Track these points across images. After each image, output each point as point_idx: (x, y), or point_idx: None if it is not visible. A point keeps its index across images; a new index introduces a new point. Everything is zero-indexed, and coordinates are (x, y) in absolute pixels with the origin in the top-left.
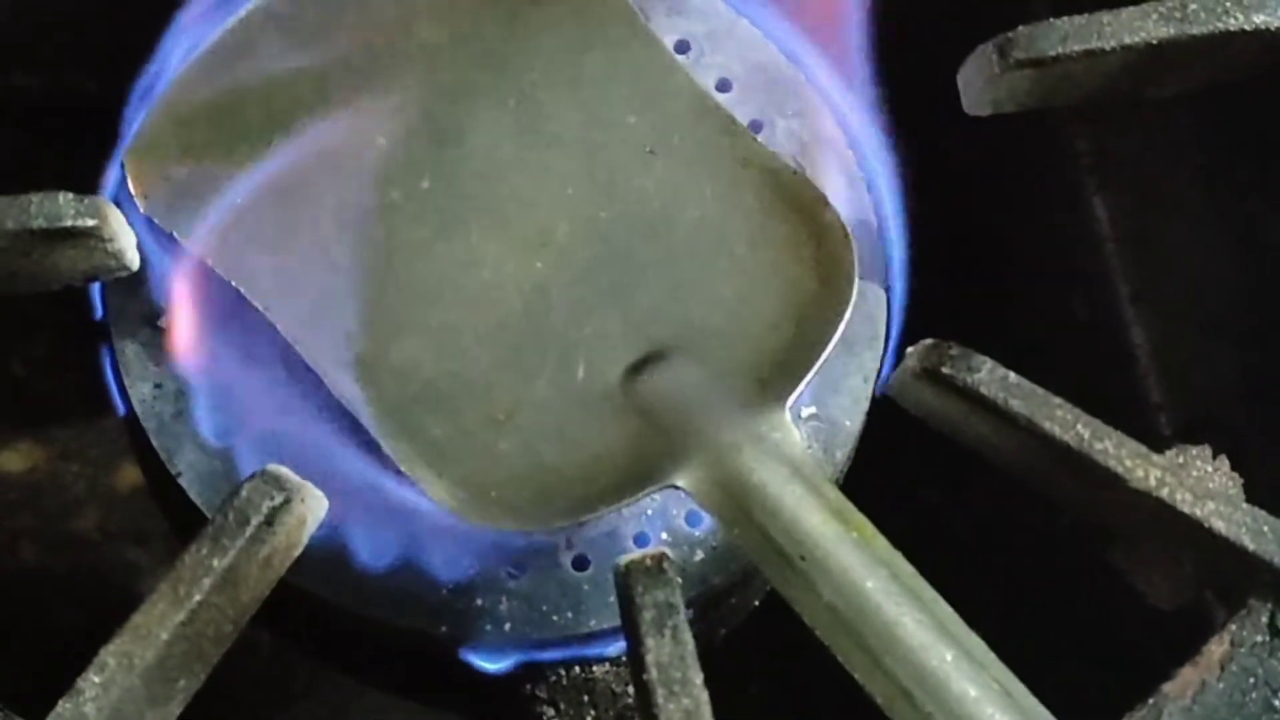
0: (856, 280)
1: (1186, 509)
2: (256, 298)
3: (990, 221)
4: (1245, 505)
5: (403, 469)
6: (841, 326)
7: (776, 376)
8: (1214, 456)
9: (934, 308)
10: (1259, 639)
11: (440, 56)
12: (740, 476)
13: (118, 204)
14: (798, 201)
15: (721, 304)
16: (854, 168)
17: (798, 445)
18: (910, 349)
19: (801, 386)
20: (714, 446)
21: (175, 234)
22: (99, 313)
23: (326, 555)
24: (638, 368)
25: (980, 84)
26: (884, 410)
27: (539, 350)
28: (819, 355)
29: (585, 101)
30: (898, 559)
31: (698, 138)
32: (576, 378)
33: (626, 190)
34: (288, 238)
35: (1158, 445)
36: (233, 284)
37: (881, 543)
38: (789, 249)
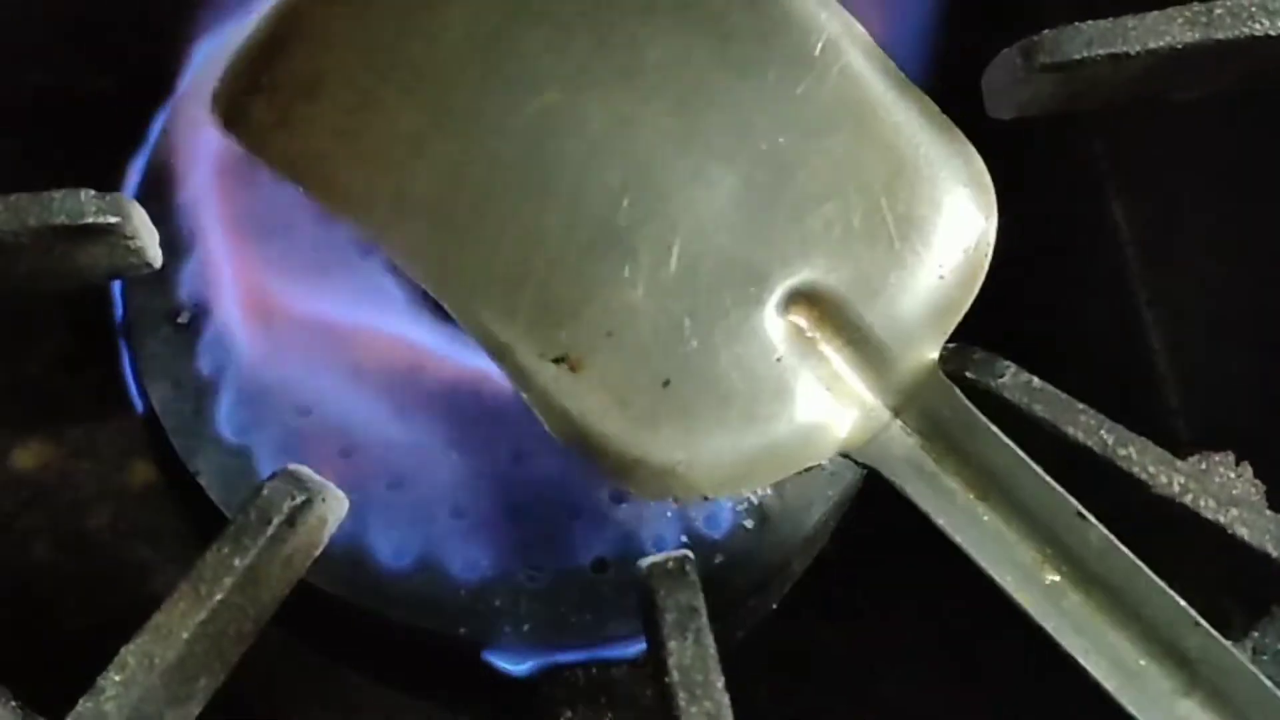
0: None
1: (1210, 515)
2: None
3: (1008, 225)
4: (1269, 512)
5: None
6: (985, 266)
7: (930, 315)
8: (1236, 463)
9: None
10: None
11: None
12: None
13: (139, 202)
14: (935, 139)
15: (869, 242)
16: None
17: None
18: None
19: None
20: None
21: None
22: (119, 311)
23: (346, 555)
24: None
25: (1005, 87)
26: None
27: (697, 296)
28: (971, 292)
29: (718, 43)
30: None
31: (835, 76)
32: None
33: (763, 126)
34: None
35: (1175, 450)
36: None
37: None
38: (925, 189)
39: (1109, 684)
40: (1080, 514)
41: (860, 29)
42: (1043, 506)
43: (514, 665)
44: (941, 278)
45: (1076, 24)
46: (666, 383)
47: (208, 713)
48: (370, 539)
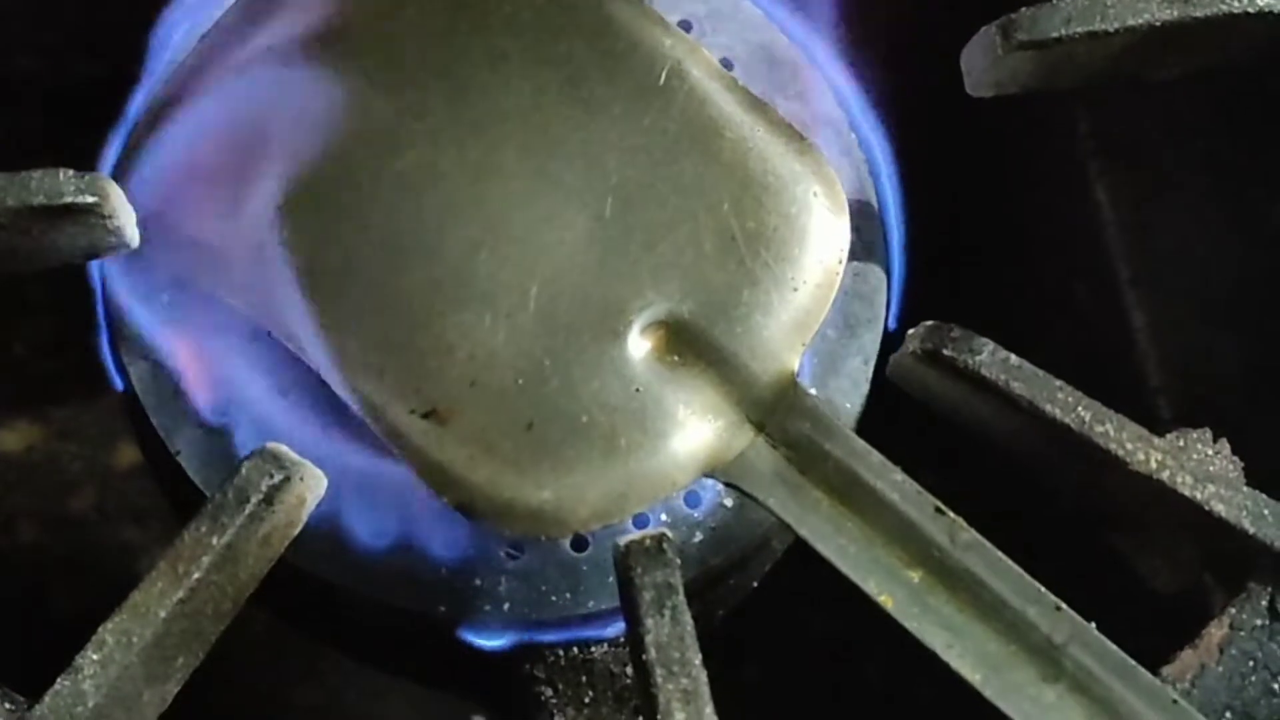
0: (848, 232)
1: (1187, 492)
2: (291, 341)
3: (990, 204)
4: (1246, 489)
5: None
6: (838, 281)
7: (787, 333)
8: (1214, 440)
9: (933, 289)
10: (1259, 622)
11: (434, 30)
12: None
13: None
14: (785, 155)
15: (722, 263)
16: (855, 149)
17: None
18: (911, 331)
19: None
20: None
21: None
22: (98, 291)
23: (325, 534)
24: (660, 343)
25: (983, 65)
26: (883, 392)
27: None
28: (822, 310)
29: (568, 74)
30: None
31: (680, 103)
32: (605, 357)
33: (613, 158)
34: (304, 256)
35: (1157, 428)
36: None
37: None
38: (779, 206)
39: (974, 677)
40: (939, 509)
41: (705, 52)
42: (904, 505)
43: (493, 643)
44: (795, 290)
45: (1055, 1)
46: (530, 425)
47: (185, 693)
48: (350, 518)
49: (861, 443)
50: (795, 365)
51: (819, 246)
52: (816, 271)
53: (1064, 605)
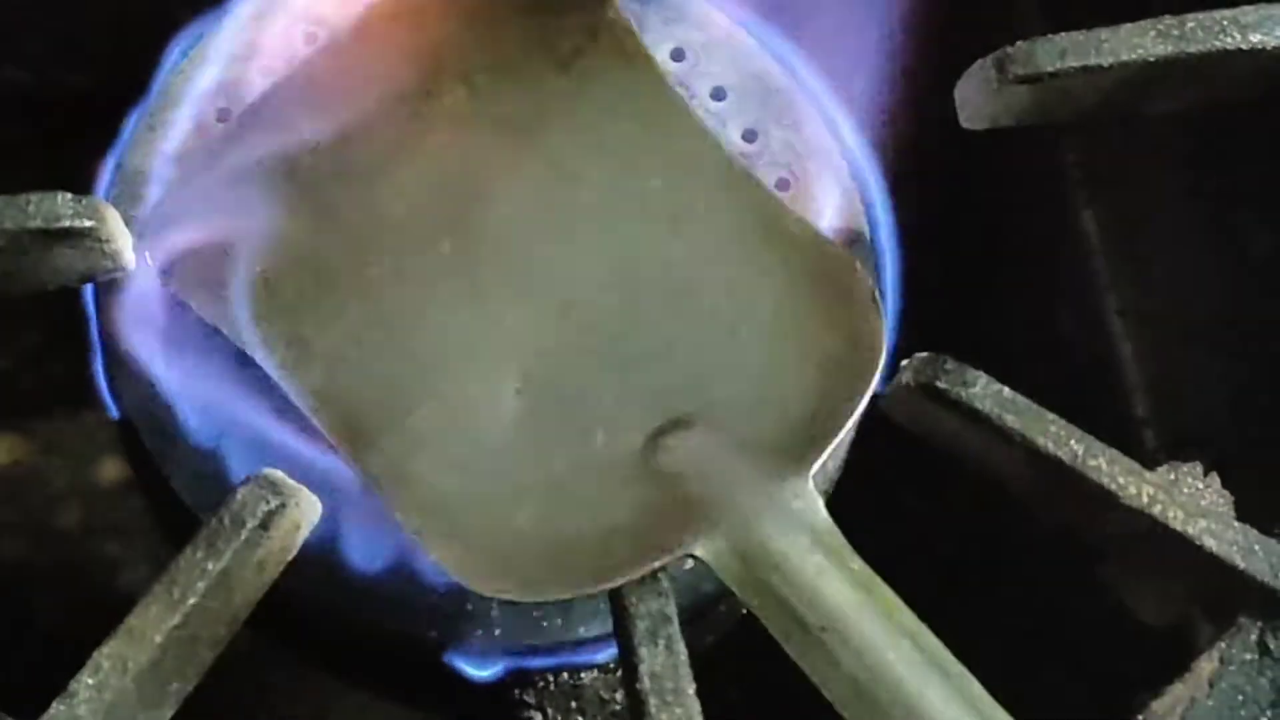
0: (885, 347)
1: (1178, 526)
2: (270, 366)
3: (980, 234)
4: (1236, 524)
5: (416, 539)
6: (869, 394)
7: (800, 444)
8: (1205, 474)
9: (922, 319)
10: (1248, 657)
11: (465, 121)
12: (761, 545)
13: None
14: (825, 267)
15: (744, 372)
16: (846, 179)
17: (821, 514)
18: (905, 362)
19: (825, 455)
20: (734, 514)
21: (194, 306)
22: (92, 311)
23: (319, 558)
24: (659, 435)
25: (977, 99)
26: (870, 422)
27: (558, 419)
28: (844, 422)
29: (610, 168)
30: (923, 631)
31: (724, 205)
32: (596, 446)
33: (650, 257)
34: (304, 306)
35: (1144, 460)
36: (247, 352)
37: (907, 615)
38: (815, 316)
39: None
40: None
41: (755, 172)
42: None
43: (484, 669)
44: (817, 405)
45: (1049, 35)
46: (521, 520)
47: (178, 712)
48: (344, 542)
49: (869, 571)
50: (808, 480)
51: (852, 367)
52: (844, 392)
53: None
